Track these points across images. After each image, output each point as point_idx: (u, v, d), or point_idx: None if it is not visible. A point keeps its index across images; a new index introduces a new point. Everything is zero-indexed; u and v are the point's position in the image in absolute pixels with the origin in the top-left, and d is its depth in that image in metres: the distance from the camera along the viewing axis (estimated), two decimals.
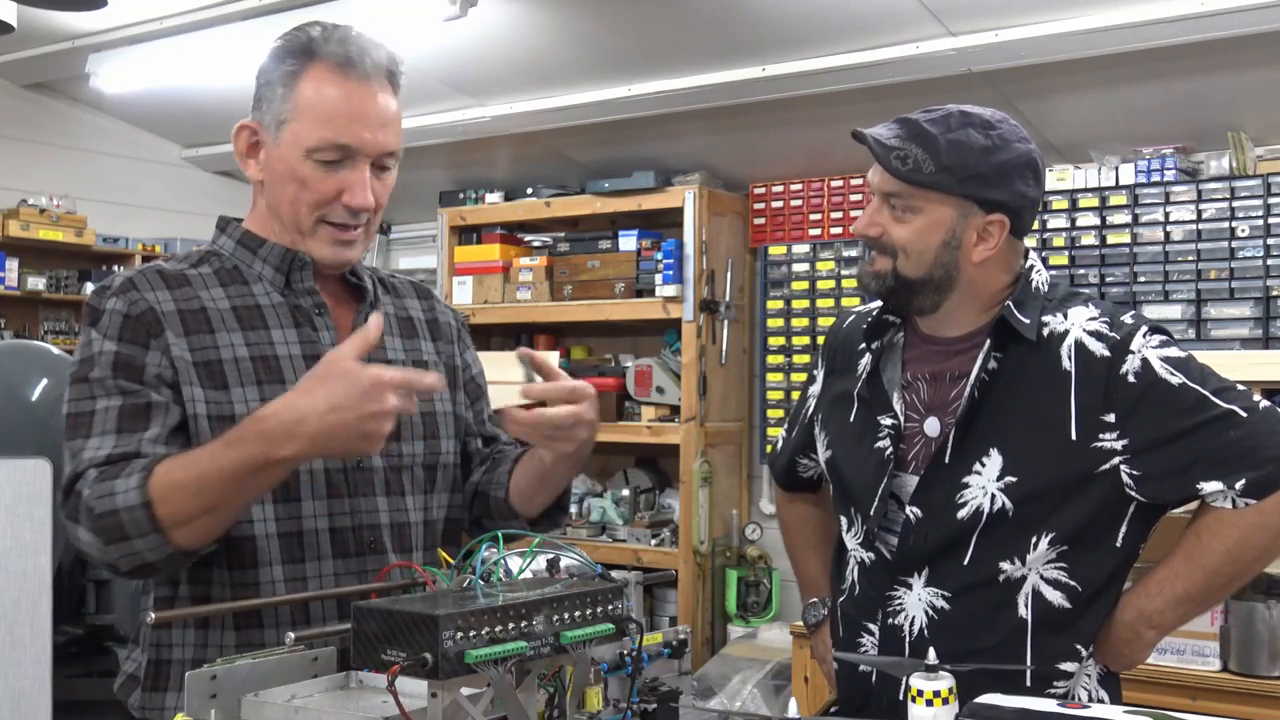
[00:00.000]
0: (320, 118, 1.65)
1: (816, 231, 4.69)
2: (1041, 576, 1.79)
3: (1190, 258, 3.86)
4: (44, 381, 3.34)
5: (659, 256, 4.74)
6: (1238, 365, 3.27)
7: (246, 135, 1.73)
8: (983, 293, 1.86)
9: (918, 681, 1.28)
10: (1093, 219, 4.02)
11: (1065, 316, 1.82)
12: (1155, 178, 3.94)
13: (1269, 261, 3.73)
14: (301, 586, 1.64)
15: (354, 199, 1.68)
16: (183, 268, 1.73)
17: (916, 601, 1.84)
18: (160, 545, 1.52)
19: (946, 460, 1.82)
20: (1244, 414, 1.73)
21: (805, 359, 4.66)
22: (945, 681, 1.28)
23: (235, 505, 1.54)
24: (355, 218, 1.70)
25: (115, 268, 5.75)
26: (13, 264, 5.42)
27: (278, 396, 1.60)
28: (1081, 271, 4.03)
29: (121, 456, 1.57)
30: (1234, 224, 3.79)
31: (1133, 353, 1.77)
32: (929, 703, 1.26)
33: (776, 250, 4.75)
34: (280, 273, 1.74)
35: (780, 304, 4.74)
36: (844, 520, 1.97)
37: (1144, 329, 1.79)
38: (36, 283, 5.50)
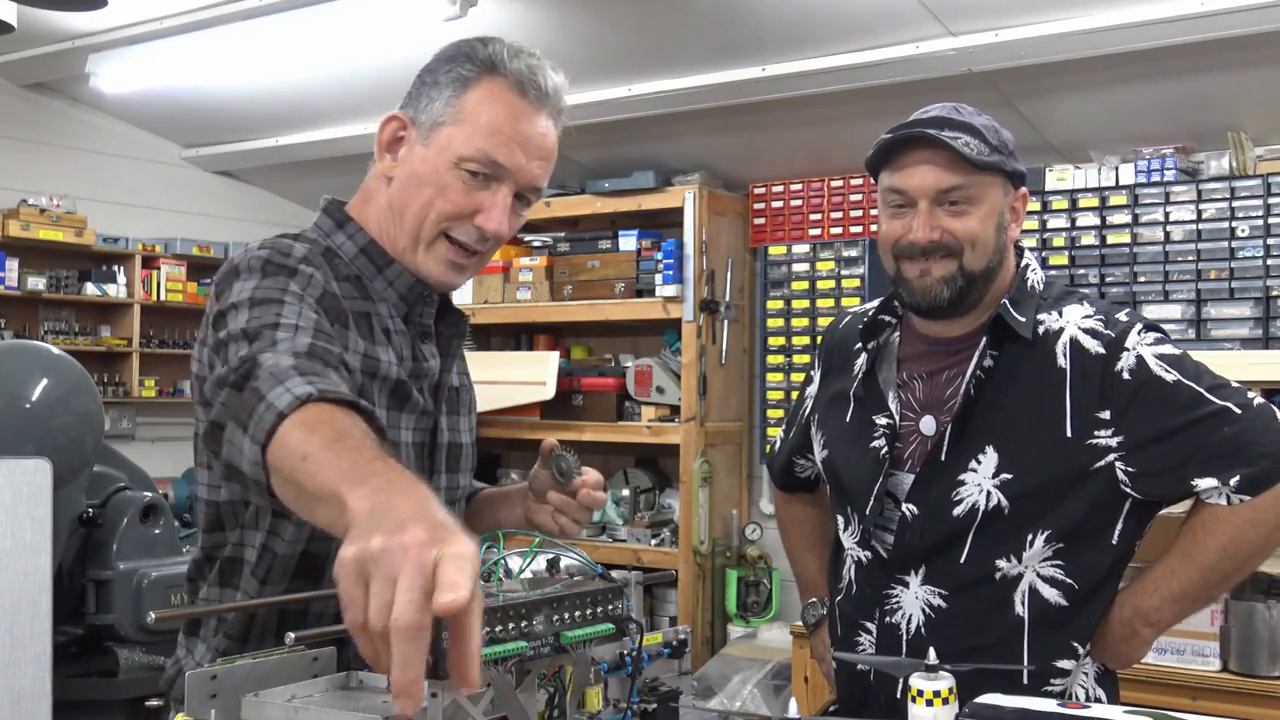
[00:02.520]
0: (483, 129, 1.56)
1: (816, 231, 4.69)
2: (1038, 574, 1.80)
3: (1190, 258, 3.86)
4: (44, 381, 3.33)
5: (659, 256, 4.74)
6: (1237, 365, 3.28)
7: (394, 127, 1.63)
8: (1004, 278, 1.86)
9: (918, 681, 1.28)
10: (1093, 219, 4.02)
11: (1060, 314, 1.83)
12: (1155, 178, 3.94)
13: (1269, 261, 3.74)
14: None
15: (489, 222, 1.58)
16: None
17: (913, 600, 1.84)
18: (255, 464, 1.28)
19: (942, 458, 1.82)
20: (1238, 410, 1.74)
21: (805, 359, 4.66)
22: (945, 681, 1.28)
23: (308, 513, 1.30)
24: (481, 242, 1.61)
25: (115, 268, 5.75)
26: (13, 264, 5.42)
27: (394, 424, 1.56)
28: (1081, 271, 4.03)
29: (325, 352, 1.37)
30: (1234, 224, 3.79)
31: (1127, 350, 1.77)
32: (929, 703, 1.26)
33: (776, 250, 4.75)
34: (405, 303, 1.64)
35: (780, 304, 4.74)
36: (841, 520, 1.97)
37: (1139, 326, 1.79)
38: (36, 283, 5.49)
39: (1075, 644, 1.81)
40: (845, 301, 4.57)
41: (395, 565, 0.95)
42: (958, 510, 1.80)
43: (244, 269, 1.50)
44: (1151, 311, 3.85)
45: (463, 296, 5.17)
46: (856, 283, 4.57)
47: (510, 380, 4.84)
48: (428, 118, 1.59)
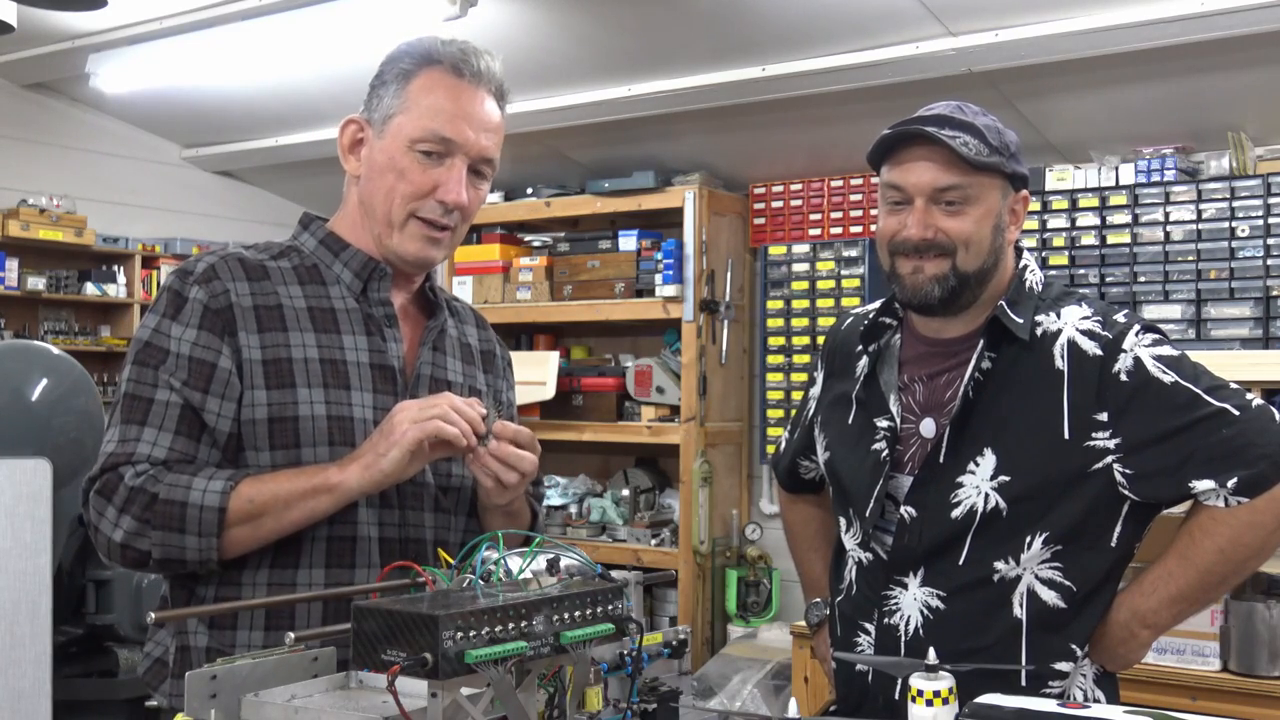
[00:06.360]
0: (427, 111, 1.70)
1: (816, 231, 4.69)
2: (1036, 576, 1.79)
3: (1190, 258, 3.86)
4: (44, 381, 3.33)
5: (659, 256, 4.74)
6: (1238, 365, 3.28)
7: (352, 130, 1.78)
8: (1002, 278, 1.86)
9: (918, 681, 1.28)
10: (1093, 219, 4.02)
11: (1058, 316, 1.83)
12: (1155, 178, 3.94)
13: (1269, 261, 3.74)
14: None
15: (448, 194, 1.70)
16: (263, 259, 1.75)
17: (912, 601, 1.84)
18: (209, 549, 1.59)
19: (941, 460, 1.82)
20: (1236, 412, 1.73)
21: (805, 359, 4.66)
22: (945, 681, 1.28)
23: (282, 530, 1.63)
24: (447, 215, 1.73)
25: (115, 268, 5.75)
26: (13, 264, 5.42)
27: (342, 400, 1.66)
28: (1081, 271, 4.03)
29: (180, 461, 1.63)
30: (1234, 224, 3.79)
31: (1125, 351, 1.77)
32: (929, 703, 1.26)
33: (776, 250, 4.75)
34: (359, 279, 1.76)
35: (780, 304, 4.74)
36: (842, 521, 1.97)
37: (1136, 327, 1.79)
38: (36, 283, 5.50)
39: (1073, 646, 1.81)
40: (845, 301, 4.57)
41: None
42: (956, 512, 1.80)
43: (155, 300, 1.72)
44: (1151, 312, 3.85)
45: (463, 297, 5.16)
46: (856, 283, 4.57)
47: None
48: (380, 114, 1.74)
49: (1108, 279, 3.99)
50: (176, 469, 1.61)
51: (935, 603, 1.82)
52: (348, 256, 1.76)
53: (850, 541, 1.94)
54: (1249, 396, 1.77)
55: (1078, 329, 1.80)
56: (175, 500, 1.58)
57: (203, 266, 1.70)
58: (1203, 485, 1.73)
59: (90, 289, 5.67)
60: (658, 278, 4.73)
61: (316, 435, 1.65)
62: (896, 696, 1.79)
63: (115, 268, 5.76)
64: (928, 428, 1.86)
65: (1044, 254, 4.07)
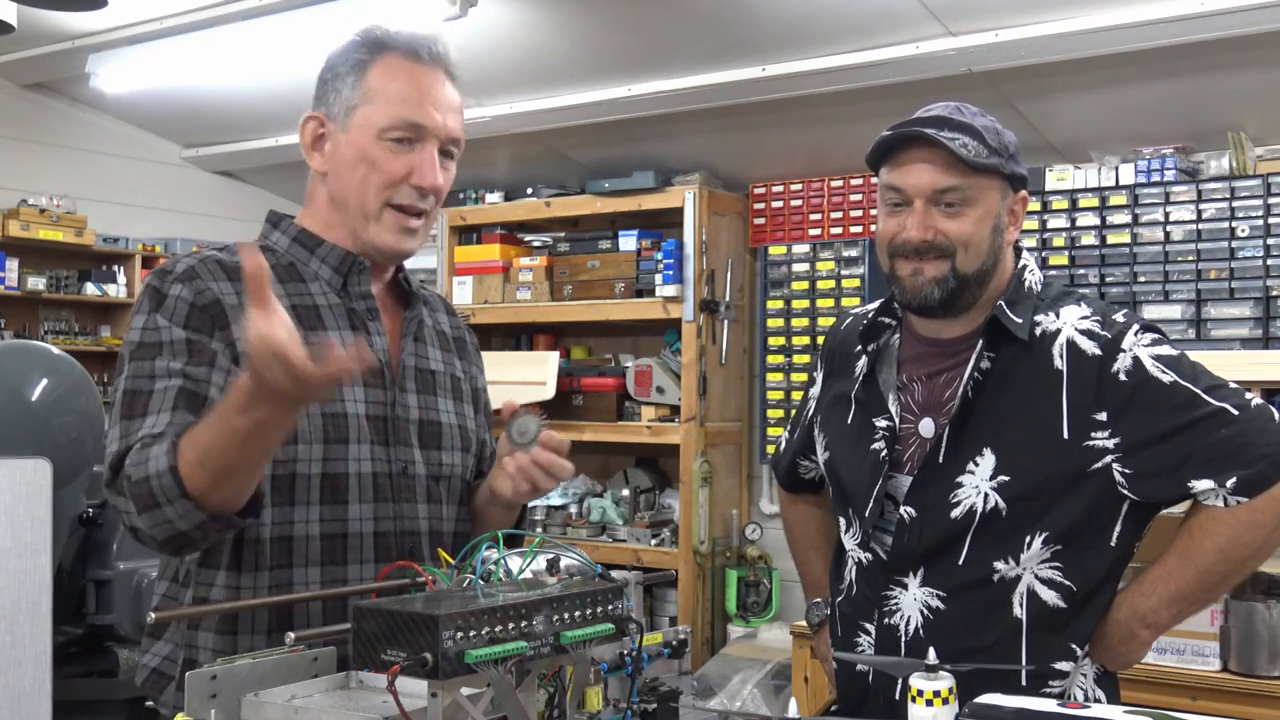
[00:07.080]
0: (393, 98, 1.70)
1: (816, 231, 4.69)
2: (1036, 576, 1.80)
3: (1190, 258, 3.86)
4: (44, 381, 3.33)
5: (659, 256, 4.74)
6: (1238, 365, 3.28)
7: (313, 126, 1.76)
8: (1001, 279, 1.86)
9: (918, 681, 1.28)
10: (1093, 219, 4.02)
11: (1058, 315, 1.83)
12: (1155, 178, 3.94)
13: (1269, 261, 3.74)
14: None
15: (424, 179, 1.70)
16: (239, 259, 1.72)
17: (912, 601, 1.84)
18: (189, 512, 1.50)
19: (940, 460, 1.82)
20: (1236, 411, 1.73)
21: (805, 359, 4.66)
22: (945, 681, 1.28)
23: (247, 466, 1.51)
24: (422, 200, 1.72)
25: (115, 268, 5.75)
26: (13, 264, 5.43)
27: (334, 397, 1.64)
28: (1081, 271, 4.03)
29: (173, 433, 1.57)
30: (1234, 224, 3.79)
31: (1124, 351, 1.77)
32: (929, 703, 1.27)
33: (776, 250, 4.75)
34: (339, 274, 1.75)
35: (780, 304, 4.74)
36: (842, 521, 1.97)
37: (1135, 327, 1.79)
38: (36, 283, 5.50)
39: (1073, 645, 1.81)
40: (845, 301, 4.57)
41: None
42: (955, 512, 1.80)
43: (137, 304, 1.70)
44: (1151, 312, 3.85)
45: (463, 297, 5.17)
46: (856, 283, 4.57)
47: (510, 380, 4.83)
48: (340, 107, 1.72)
49: (1108, 279, 3.99)
50: (148, 442, 1.55)
51: (935, 603, 1.82)
52: (324, 252, 1.75)
53: (850, 541, 1.94)
54: (1248, 396, 1.77)
55: (1077, 329, 1.80)
56: (142, 477, 1.52)
57: (182, 267, 1.69)
58: (1202, 485, 1.73)
59: (90, 289, 5.67)
60: (658, 278, 4.73)
61: (312, 433, 1.65)
62: (897, 696, 1.79)
63: (115, 268, 5.76)
64: (927, 427, 1.86)
65: (1044, 254, 4.07)
